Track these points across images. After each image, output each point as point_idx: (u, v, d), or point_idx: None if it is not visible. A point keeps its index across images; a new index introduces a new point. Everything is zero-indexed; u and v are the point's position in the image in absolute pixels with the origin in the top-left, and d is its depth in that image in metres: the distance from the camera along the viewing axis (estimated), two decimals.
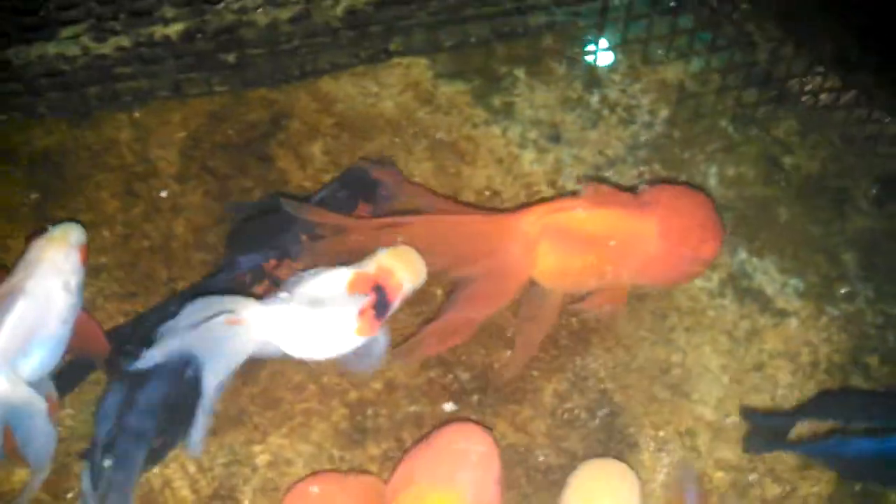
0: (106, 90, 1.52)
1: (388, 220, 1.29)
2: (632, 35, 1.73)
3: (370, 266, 1.21)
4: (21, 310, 1.10)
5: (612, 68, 1.74)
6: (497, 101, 1.66)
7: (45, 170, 1.50)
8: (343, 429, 1.28)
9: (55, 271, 1.14)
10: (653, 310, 1.43)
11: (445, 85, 1.68)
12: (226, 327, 1.11)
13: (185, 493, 1.22)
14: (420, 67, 1.69)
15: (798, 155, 1.65)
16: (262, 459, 1.25)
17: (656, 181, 1.53)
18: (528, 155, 1.59)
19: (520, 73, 1.71)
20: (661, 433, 1.32)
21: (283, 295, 1.15)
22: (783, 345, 1.42)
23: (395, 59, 1.69)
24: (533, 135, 1.62)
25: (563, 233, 1.27)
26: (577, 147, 1.61)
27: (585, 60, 1.74)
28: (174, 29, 1.48)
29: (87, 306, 1.25)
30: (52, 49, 1.54)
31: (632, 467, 1.18)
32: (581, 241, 1.27)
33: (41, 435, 1.10)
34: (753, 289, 1.47)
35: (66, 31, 1.51)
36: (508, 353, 1.35)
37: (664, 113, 1.67)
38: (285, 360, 1.17)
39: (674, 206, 1.31)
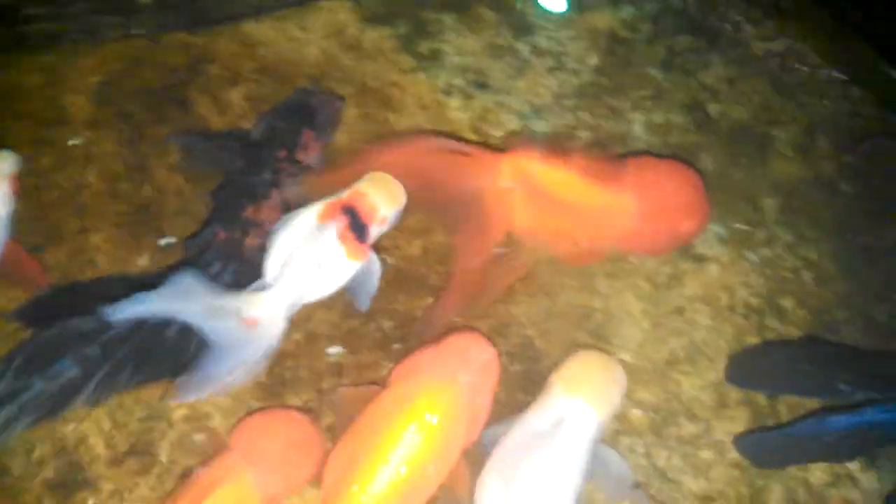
0: (11, 32, 1.45)
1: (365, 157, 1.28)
2: None
3: (343, 194, 1.21)
4: None
5: (542, 15, 1.71)
6: (424, 48, 1.64)
7: None
8: (262, 381, 1.27)
9: None
10: None
11: (371, 30, 1.64)
12: (244, 328, 1.10)
13: (101, 449, 1.20)
14: (345, 12, 1.66)
15: (725, 102, 1.65)
16: (178, 414, 1.23)
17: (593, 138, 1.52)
18: (455, 102, 1.58)
19: (448, 18, 1.68)
20: None
21: (269, 276, 1.14)
22: (702, 289, 1.44)
23: (321, 3, 1.65)
24: (460, 82, 1.60)
25: (542, 191, 1.26)
26: (503, 94, 1.60)
27: (516, 7, 1.71)
28: None
29: None
30: None
31: None
32: (558, 204, 1.27)
33: None
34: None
35: None
36: (430, 300, 1.35)
37: (593, 61, 1.66)
38: None
39: (657, 181, 1.31)
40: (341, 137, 1.50)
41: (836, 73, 1.70)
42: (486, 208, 1.26)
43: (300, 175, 1.32)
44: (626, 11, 1.73)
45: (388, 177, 1.24)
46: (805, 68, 1.70)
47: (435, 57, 1.62)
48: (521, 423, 1.10)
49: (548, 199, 1.26)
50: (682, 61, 1.67)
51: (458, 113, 1.56)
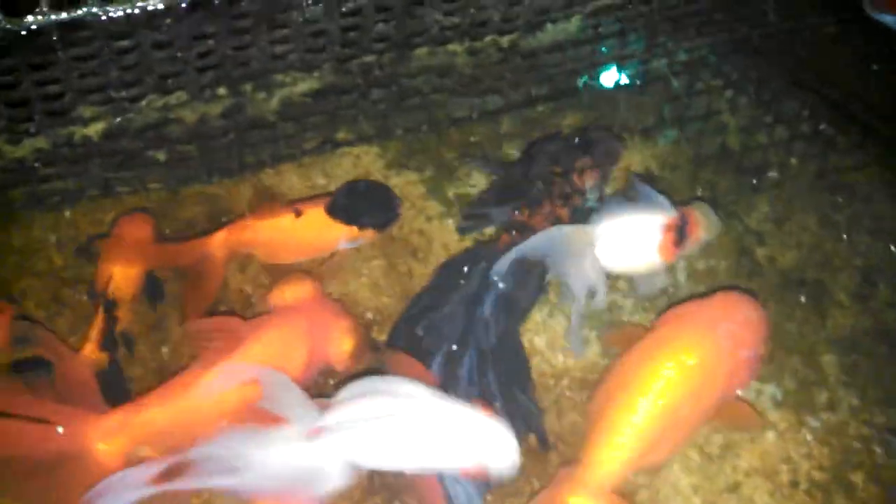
0: (29, 191, 1.42)
1: None
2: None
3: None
4: None
5: None
6: (451, 193, 1.57)
7: None
8: None
9: None
10: None
11: (396, 175, 1.58)
12: None
13: None
14: (370, 156, 1.60)
15: (772, 245, 1.54)
16: None
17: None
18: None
19: (476, 153, 1.61)
20: None
21: None
22: (759, 461, 1.30)
23: (345, 149, 1.60)
24: (490, 228, 1.52)
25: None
26: None
27: None
28: (94, 129, 1.39)
29: None
30: None
31: None
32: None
33: None
34: None
35: None
36: None
37: None
38: None
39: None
40: (361, 289, 1.43)
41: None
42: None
43: (574, 195, 1.42)
44: (662, 147, 1.65)
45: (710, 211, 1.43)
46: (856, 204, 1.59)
47: (463, 202, 1.55)
48: None
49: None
50: (725, 201, 1.57)
51: None
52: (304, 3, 1.32)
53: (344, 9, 1.36)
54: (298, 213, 1.34)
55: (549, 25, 1.54)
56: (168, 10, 1.24)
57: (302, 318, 1.23)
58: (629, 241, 1.33)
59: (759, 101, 1.68)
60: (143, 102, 1.36)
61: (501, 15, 1.48)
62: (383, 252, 1.49)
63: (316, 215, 1.36)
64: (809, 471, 1.30)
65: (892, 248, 1.50)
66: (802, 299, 1.47)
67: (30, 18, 1.17)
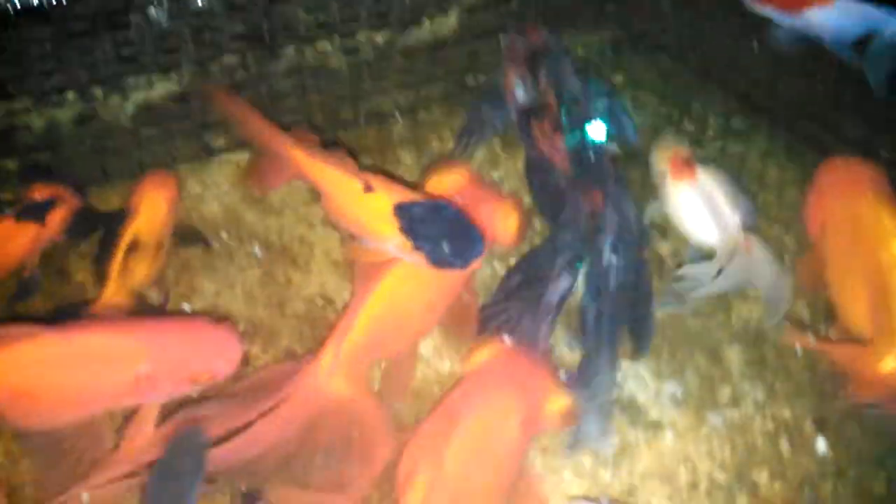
0: None
1: None
2: None
3: None
4: None
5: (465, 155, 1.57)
6: None
7: None
8: None
9: None
10: None
11: None
12: None
13: None
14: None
15: (675, 240, 1.46)
16: None
17: None
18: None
19: (367, 159, 1.53)
20: None
21: None
22: (656, 464, 1.21)
23: (223, 156, 1.51)
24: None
25: None
26: None
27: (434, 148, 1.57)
28: None
29: None
30: None
31: None
32: None
33: None
34: (622, 398, 1.26)
35: None
36: None
37: None
38: None
39: None
40: (235, 301, 1.34)
41: None
42: None
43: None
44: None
45: None
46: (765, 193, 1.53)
47: None
48: None
49: None
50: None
51: None
52: (148, 3, 1.25)
53: (192, 8, 1.28)
54: (368, 189, 1.20)
55: (425, 21, 1.47)
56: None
57: (467, 203, 1.23)
58: None
59: (663, 97, 1.63)
60: None
61: (370, 10, 1.41)
62: (259, 260, 1.40)
63: (383, 201, 1.18)
64: (710, 471, 1.21)
65: (800, 236, 1.42)
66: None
67: None
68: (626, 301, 1.24)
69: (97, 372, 1.10)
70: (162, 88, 1.37)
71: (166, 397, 1.14)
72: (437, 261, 1.15)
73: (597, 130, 1.35)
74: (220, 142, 1.50)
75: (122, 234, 1.29)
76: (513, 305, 1.26)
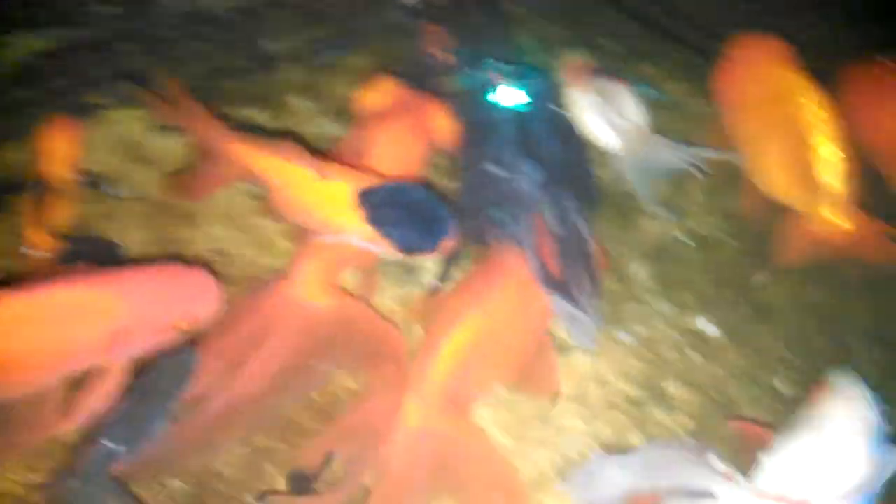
0: None
1: None
2: None
3: None
4: None
5: None
6: None
7: None
8: None
9: None
10: None
11: (162, 138, 1.41)
12: None
13: None
14: (131, 120, 1.43)
15: None
16: None
17: None
18: (258, 204, 1.34)
19: (259, 116, 1.46)
20: None
21: None
22: (569, 385, 1.20)
23: (102, 113, 1.42)
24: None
25: None
26: None
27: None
28: None
29: None
30: None
31: None
32: None
33: None
34: None
35: None
36: None
37: None
38: None
39: None
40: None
41: None
42: None
43: None
44: None
45: None
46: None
47: None
48: None
49: None
50: None
51: (266, 221, 1.32)
52: None
53: None
54: (323, 177, 1.11)
55: None
56: None
57: (400, 114, 1.26)
58: None
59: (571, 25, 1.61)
60: None
61: None
62: (146, 214, 1.32)
63: (340, 189, 1.10)
64: (623, 387, 1.20)
65: (693, 152, 1.41)
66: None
67: None
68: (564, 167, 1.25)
69: (68, 330, 1.00)
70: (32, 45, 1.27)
71: (148, 349, 1.07)
72: (407, 247, 1.08)
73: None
74: (94, 99, 1.41)
75: (27, 179, 1.23)
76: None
